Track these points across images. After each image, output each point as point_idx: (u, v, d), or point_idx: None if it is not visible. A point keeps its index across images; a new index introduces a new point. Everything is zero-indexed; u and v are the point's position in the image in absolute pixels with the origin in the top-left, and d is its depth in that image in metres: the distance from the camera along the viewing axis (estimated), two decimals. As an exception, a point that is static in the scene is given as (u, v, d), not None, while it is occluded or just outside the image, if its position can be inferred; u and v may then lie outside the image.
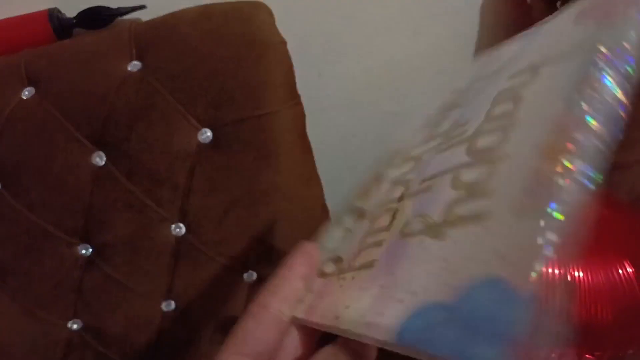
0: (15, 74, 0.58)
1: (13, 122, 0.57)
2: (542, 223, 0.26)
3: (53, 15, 0.61)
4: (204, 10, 0.61)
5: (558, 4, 0.67)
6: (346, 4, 0.74)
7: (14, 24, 0.61)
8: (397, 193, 0.35)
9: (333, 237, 0.36)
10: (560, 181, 0.27)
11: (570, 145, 0.28)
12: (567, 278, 0.47)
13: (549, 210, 0.27)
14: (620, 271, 0.44)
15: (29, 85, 0.58)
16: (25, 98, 0.58)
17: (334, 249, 0.35)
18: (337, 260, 0.35)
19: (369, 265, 0.32)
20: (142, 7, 0.64)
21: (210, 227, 0.58)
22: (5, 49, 0.60)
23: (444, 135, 0.35)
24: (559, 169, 0.27)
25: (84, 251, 0.60)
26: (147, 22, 0.62)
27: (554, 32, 0.35)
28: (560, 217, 0.26)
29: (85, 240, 0.59)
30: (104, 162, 0.58)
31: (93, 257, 0.60)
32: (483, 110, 0.33)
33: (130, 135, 0.57)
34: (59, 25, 0.61)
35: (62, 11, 0.64)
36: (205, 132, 0.58)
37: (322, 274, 0.34)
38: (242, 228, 0.59)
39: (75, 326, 0.61)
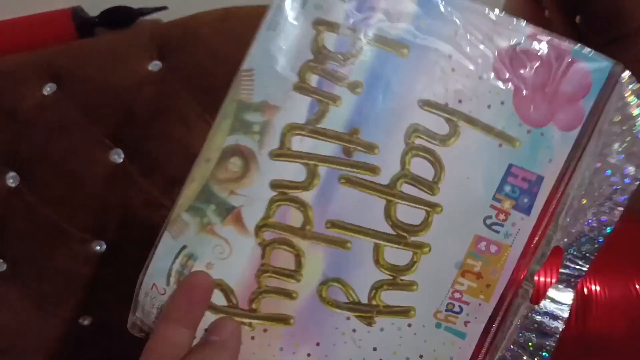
0: (37, 70, 0.59)
1: (34, 117, 0.57)
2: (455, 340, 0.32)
3: (76, 13, 0.62)
4: (225, 13, 0.62)
5: (577, 18, 0.67)
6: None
7: (38, 21, 0.62)
8: (291, 219, 0.31)
9: (188, 227, 0.31)
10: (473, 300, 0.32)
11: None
12: (583, 291, 0.47)
13: (457, 327, 0.32)
14: (637, 286, 0.44)
15: (51, 81, 0.58)
16: (46, 94, 0.58)
17: (193, 250, 0.31)
18: (227, 290, 0.31)
19: (283, 319, 0.31)
20: (163, 8, 0.64)
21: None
22: (28, 46, 0.61)
23: (341, 143, 0.31)
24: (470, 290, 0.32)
25: (97, 247, 0.60)
26: (169, 23, 0.63)
27: (476, 80, 0.32)
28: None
29: (100, 237, 0.60)
30: (121, 160, 0.58)
31: (106, 255, 0.60)
32: (395, 142, 0.31)
33: (149, 134, 0.58)
34: (81, 24, 0.62)
35: (85, 10, 0.65)
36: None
37: (211, 307, 0.31)
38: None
39: (86, 322, 0.61)
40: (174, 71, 0.59)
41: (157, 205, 0.59)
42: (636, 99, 0.32)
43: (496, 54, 0.32)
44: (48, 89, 0.58)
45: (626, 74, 0.32)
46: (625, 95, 0.32)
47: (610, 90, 0.32)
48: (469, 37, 0.31)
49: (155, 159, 0.58)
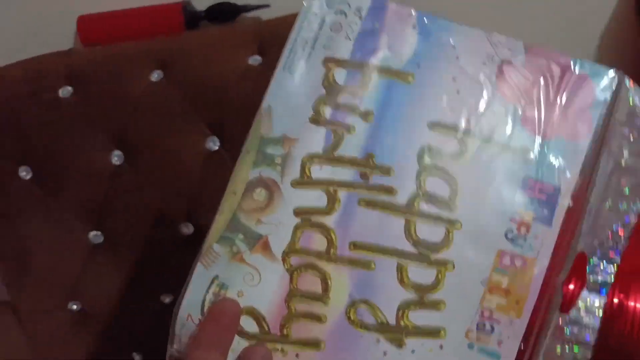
0: (147, 58, 0.62)
1: (141, 101, 0.61)
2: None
3: (186, 7, 0.66)
4: (326, 13, 0.63)
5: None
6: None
7: (150, 13, 0.66)
8: (315, 244, 0.32)
9: (218, 257, 0.33)
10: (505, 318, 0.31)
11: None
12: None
13: (491, 348, 0.31)
14: None
15: (158, 69, 0.62)
16: (153, 80, 0.62)
17: (225, 280, 0.32)
18: (258, 317, 0.32)
19: (314, 344, 0.31)
20: (265, 5, 0.67)
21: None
22: (140, 35, 0.65)
23: (358, 168, 0.33)
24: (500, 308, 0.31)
25: (185, 230, 0.63)
26: (270, 20, 0.65)
27: (481, 99, 0.33)
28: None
29: (189, 220, 0.63)
30: (217, 147, 0.61)
31: (193, 237, 0.63)
32: (409, 163, 0.32)
33: (245, 124, 0.60)
34: (189, 17, 0.66)
35: (193, 4, 0.68)
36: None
37: (243, 334, 0.32)
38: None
39: (167, 300, 0.64)
40: (273, 66, 0.61)
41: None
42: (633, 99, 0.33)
43: (497, 72, 0.33)
44: (155, 75, 0.62)
45: (629, 81, 0.32)
46: (631, 100, 0.33)
47: (616, 97, 0.32)
48: (470, 59, 0.33)
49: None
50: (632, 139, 0.33)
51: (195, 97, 0.61)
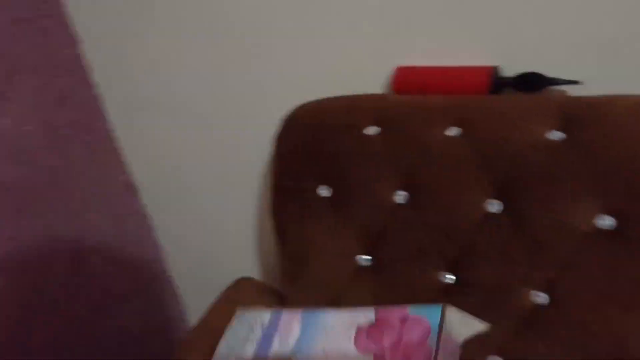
0: (448, 113, 0.67)
1: (434, 151, 0.66)
2: None
3: (495, 72, 0.69)
4: (645, 100, 0.60)
5: None
6: None
7: (460, 72, 0.71)
8: None
9: None
10: None
11: None
12: None
13: None
14: None
15: (457, 125, 0.66)
16: (449, 135, 0.66)
17: None
18: None
19: None
20: (576, 82, 0.66)
21: (578, 308, 0.57)
22: (446, 90, 0.70)
23: None
24: None
25: (443, 279, 0.65)
26: (580, 98, 0.64)
27: (346, 356, 0.48)
28: None
29: (451, 270, 0.65)
30: (496, 211, 0.62)
31: (452, 288, 0.65)
32: None
33: (531, 195, 0.60)
34: (496, 82, 0.68)
35: (502, 70, 0.71)
36: (607, 219, 0.57)
37: None
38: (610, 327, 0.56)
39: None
40: (575, 146, 0.60)
41: (512, 261, 0.61)
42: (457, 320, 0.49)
43: (355, 334, 0.49)
44: (453, 131, 0.66)
45: (450, 308, 0.48)
46: (450, 324, 0.47)
47: (443, 322, 0.47)
48: (336, 330, 0.50)
49: (527, 219, 0.60)
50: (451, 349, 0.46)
51: (486, 158, 0.63)
